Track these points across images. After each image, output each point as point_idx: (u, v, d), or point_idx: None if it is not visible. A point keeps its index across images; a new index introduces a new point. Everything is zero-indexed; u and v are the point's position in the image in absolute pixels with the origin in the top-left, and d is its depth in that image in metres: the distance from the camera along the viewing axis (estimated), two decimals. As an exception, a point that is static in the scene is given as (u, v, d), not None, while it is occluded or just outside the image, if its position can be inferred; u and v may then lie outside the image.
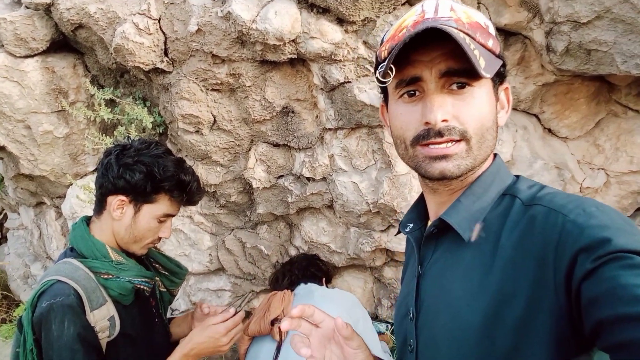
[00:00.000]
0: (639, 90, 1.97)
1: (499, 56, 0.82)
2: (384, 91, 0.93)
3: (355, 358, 0.87)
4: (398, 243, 2.33)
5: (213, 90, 2.20)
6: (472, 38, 0.77)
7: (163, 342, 1.60)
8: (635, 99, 1.99)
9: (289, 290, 1.92)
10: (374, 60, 1.90)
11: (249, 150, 2.40)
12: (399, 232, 1.06)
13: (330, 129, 2.20)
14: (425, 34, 0.73)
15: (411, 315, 0.88)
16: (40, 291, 1.31)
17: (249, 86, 2.13)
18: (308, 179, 2.35)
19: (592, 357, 0.65)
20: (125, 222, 1.46)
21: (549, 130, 2.13)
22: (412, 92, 0.81)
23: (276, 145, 2.36)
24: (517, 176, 0.87)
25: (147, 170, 1.43)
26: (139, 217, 1.47)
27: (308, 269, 2.15)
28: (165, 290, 1.68)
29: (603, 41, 1.63)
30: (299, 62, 2.10)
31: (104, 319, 1.36)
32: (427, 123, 0.78)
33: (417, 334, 0.86)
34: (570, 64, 1.76)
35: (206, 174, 2.50)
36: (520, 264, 0.70)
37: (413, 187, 2.13)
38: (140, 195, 1.45)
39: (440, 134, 0.77)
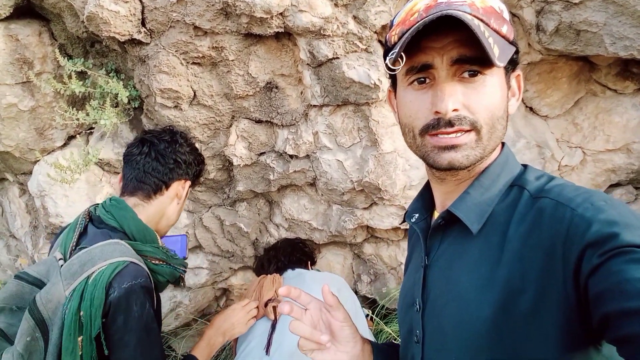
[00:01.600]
0: (618, 70, 2.03)
1: (512, 42, 0.80)
2: (392, 76, 0.91)
3: (342, 332, 0.90)
4: (380, 220, 2.35)
5: (194, 63, 2.11)
6: (487, 24, 0.75)
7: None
8: (614, 79, 2.05)
9: (278, 274, 1.91)
10: (363, 36, 1.87)
11: (230, 126, 2.33)
12: (403, 221, 1.06)
13: (315, 106, 2.16)
14: (438, 20, 0.71)
15: (417, 306, 0.88)
16: (114, 272, 1.26)
17: (232, 60, 2.06)
18: (291, 156, 2.32)
19: (601, 349, 0.66)
20: (181, 204, 1.60)
21: (531, 109, 2.17)
22: (422, 79, 0.79)
23: (258, 121, 2.30)
24: (525, 166, 0.87)
25: (199, 156, 1.64)
26: (185, 200, 1.62)
27: (293, 254, 2.13)
28: None
29: (593, 22, 1.65)
30: (285, 36, 2.04)
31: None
32: (437, 112, 0.77)
33: (424, 325, 0.87)
34: (559, 44, 1.78)
35: (184, 151, 2.42)
36: (529, 257, 0.70)
37: (398, 166, 2.13)
38: (193, 177, 1.62)
39: (450, 123, 0.76)
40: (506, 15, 0.82)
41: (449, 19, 0.70)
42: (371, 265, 2.67)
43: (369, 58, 1.94)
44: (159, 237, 1.48)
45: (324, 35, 1.88)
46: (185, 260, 1.59)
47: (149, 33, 2.06)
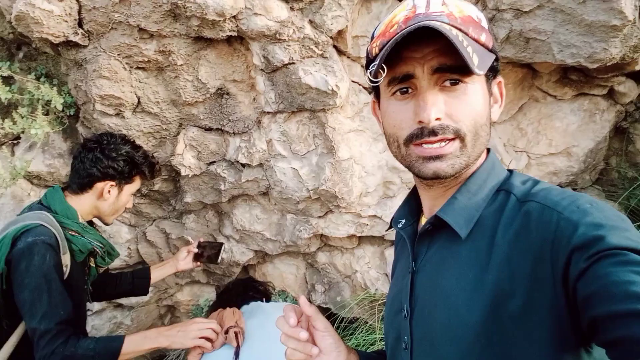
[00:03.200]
0: (557, 77, 2.14)
1: (492, 50, 0.81)
2: (375, 87, 0.91)
3: (324, 341, 0.90)
4: (336, 228, 2.32)
5: (138, 68, 1.97)
6: (465, 33, 0.76)
7: (84, 305, 1.87)
8: (554, 86, 2.16)
9: (236, 308, 1.82)
10: (319, 41, 1.84)
11: (178, 134, 2.20)
12: (390, 228, 1.05)
13: (269, 113, 2.09)
14: (417, 31, 0.71)
15: (405, 312, 0.87)
16: (24, 229, 1.58)
17: (181, 65, 1.94)
18: (243, 165, 2.23)
19: (592, 352, 0.66)
20: (110, 200, 1.86)
21: (479, 116, 2.23)
22: (405, 89, 0.79)
23: (208, 129, 2.20)
24: (510, 171, 0.88)
25: (129, 158, 1.84)
26: (121, 195, 1.89)
27: (247, 293, 2.02)
28: (94, 266, 1.92)
29: (542, 30, 1.72)
30: (237, 40, 1.95)
31: (64, 264, 1.65)
32: (420, 122, 0.77)
33: (412, 331, 0.85)
34: (509, 51, 1.84)
35: (126, 161, 2.26)
36: (517, 261, 0.70)
37: (354, 173, 2.11)
38: (123, 179, 1.86)
39: (434, 132, 0.76)
40: (484, 24, 0.83)
41: (427, 30, 0.71)
42: (325, 274, 2.63)
43: (325, 63, 1.91)
44: (80, 217, 1.80)
45: (280, 39, 1.83)
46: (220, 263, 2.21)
47: (86, 35, 1.90)
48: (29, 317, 1.51)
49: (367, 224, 2.29)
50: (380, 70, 0.76)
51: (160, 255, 2.59)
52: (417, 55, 0.76)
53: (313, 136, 2.10)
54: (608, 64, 1.76)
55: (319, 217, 2.31)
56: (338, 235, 2.33)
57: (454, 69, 0.75)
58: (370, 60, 0.85)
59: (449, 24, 0.75)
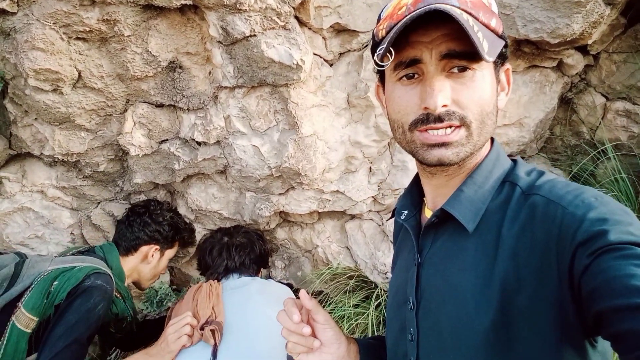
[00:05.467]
0: (511, 50, 2.16)
1: (501, 36, 0.80)
2: (380, 71, 0.89)
3: (324, 334, 0.90)
4: (297, 205, 2.27)
5: (78, 39, 1.75)
6: (475, 18, 0.75)
7: None
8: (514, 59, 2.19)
9: (217, 282, 1.71)
10: (282, 11, 1.73)
11: (125, 111, 2.02)
12: (391, 217, 1.06)
13: (226, 87, 1.96)
14: (427, 14, 0.69)
15: (411, 304, 0.87)
16: (96, 270, 1.66)
17: (128, 36, 1.75)
18: (199, 143, 2.10)
19: (596, 345, 0.69)
20: (152, 264, 1.99)
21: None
22: (411, 74, 0.78)
23: (160, 105, 2.03)
24: (514, 160, 0.88)
25: (174, 224, 2.03)
26: (162, 260, 2.03)
27: (249, 255, 1.91)
28: (112, 331, 1.91)
29: (507, 4, 1.71)
30: (190, 9, 1.79)
31: None
32: (426, 108, 0.76)
33: (419, 323, 0.85)
34: (474, 27, 1.82)
35: (66, 141, 2.05)
36: (523, 256, 0.71)
37: (318, 149, 2.05)
38: (166, 243, 2.01)
39: (440, 119, 0.75)
40: (494, 9, 0.81)
41: (437, 13, 0.69)
42: (284, 250, 2.59)
43: (288, 36, 1.80)
44: (126, 279, 1.89)
45: (240, 9, 1.69)
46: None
47: (15, 0, 1.65)
48: (47, 348, 1.47)
49: (330, 200, 2.26)
50: (388, 54, 0.73)
51: (108, 239, 2.42)
52: (426, 40, 0.74)
53: (274, 112, 2.00)
54: (568, 39, 1.80)
55: (280, 194, 2.25)
56: (300, 212, 2.28)
57: (463, 55, 0.73)
58: (376, 43, 0.83)
59: (459, 8, 0.73)
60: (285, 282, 2.58)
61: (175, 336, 1.53)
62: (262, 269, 2.04)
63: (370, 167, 2.25)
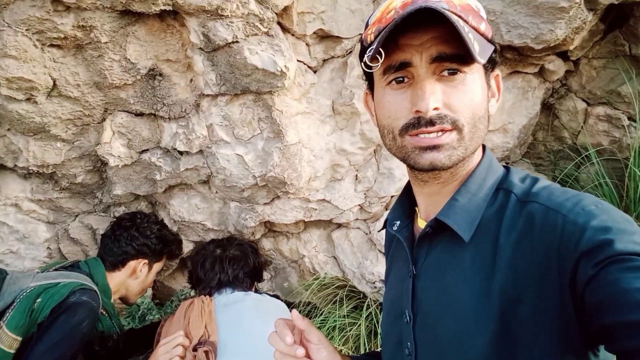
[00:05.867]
0: (502, 60, 2.17)
1: (490, 41, 0.79)
2: (369, 78, 0.87)
3: (318, 354, 0.87)
4: (283, 215, 2.23)
5: (52, 46, 1.69)
6: (465, 21, 0.73)
7: None
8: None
9: (209, 297, 1.65)
10: (265, 17, 1.70)
11: (103, 121, 1.96)
12: (383, 228, 1.04)
13: (208, 95, 1.91)
14: (416, 15, 0.68)
15: (407, 318, 0.84)
16: (82, 287, 1.61)
17: (105, 43, 1.70)
18: (181, 152, 2.04)
19: (599, 354, 0.67)
20: (140, 278, 1.94)
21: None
22: (401, 78, 0.76)
23: (140, 114, 1.97)
24: (507, 167, 0.87)
25: (162, 237, 1.98)
26: (149, 274, 1.98)
27: (243, 268, 1.84)
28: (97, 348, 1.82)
29: (491, 10, 1.71)
30: (169, 15, 1.74)
31: None
32: (417, 112, 0.74)
33: (416, 337, 0.83)
34: (458, 33, 1.82)
35: (41, 152, 1.98)
36: (522, 266, 0.69)
37: (303, 157, 2.02)
38: (154, 257, 1.97)
39: (431, 122, 0.74)
40: (483, 14, 0.80)
41: (427, 14, 0.68)
42: (270, 260, 2.54)
43: (272, 42, 1.77)
44: (113, 295, 1.84)
45: (222, 15, 1.65)
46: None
47: (-15, 6, 1.59)
48: None
49: (316, 209, 2.22)
50: (377, 56, 0.72)
51: (87, 254, 2.34)
52: (415, 43, 0.73)
53: (258, 120, 1.96)
54: (551, 45, 1.81)
55: (265, 204, 2.20)
56: (285, 222, 2.24)
57: (454, 57, 0.72)
58: (364, 48, 0.81)
59: (448, 10, 0.71)
60: (271, 293, 2.52)
61: (166, 357, 1.45)
62: (255, 282, 1.97)
63: (357, 175, 2.22)
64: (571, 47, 2.01)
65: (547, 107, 2.55)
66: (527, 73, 2.26)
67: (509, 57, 2.16)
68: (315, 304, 2.37)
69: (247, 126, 1.97)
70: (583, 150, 2.37)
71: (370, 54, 0.72)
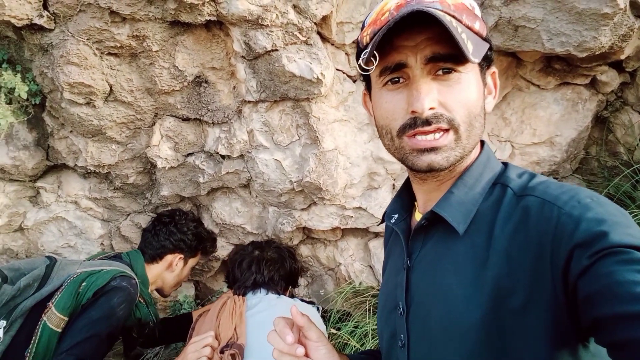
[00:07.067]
0: (542, 66, 2.11)
1: (485, 39, 0.80)
2: (366, 79, 0.90)
3: (317, 352, 0.87)
4: (319, 221, 2.26)
5: (110, 54, 1.85)
6: (459, 21, 0.75)
7: None
8: (538, 75, 2.13)
9: (241, 298, 1.70)
10: (304, 27, 1.76)
11: (153, 125, 2.09)
12: (382, 222, 1.04)
13: (250, 102, 2.00)
14: (410, 17, 0.70)
15: (401, 310, 0.85)
16: (123, 274, 1.76)
17: (156, 51, 1.83)
18: (223, 156, 2.14)
19: (589, 346, 0.66)
20: (176, 272, 2.07)
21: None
22: (397, 79, 0.78)
23: (186, 119, 2.09)
24: (505, 164, 0.87)
25: (198, 233, 2.10)
26: (185, 268, 2.11)
27: (279, 271, 1.89)
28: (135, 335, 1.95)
29: (532, 18, 1.68)
30: (216, 25, 1.85)
31: None
32: (413, 112, 0.75)
33: (409, 329, 0.84)
34: (497, 40, 1.80)
35: (98, 153, 2.14)
36: (516, 258, 0.69)
37: (339, 164, 2.05)
38: (190, 252, 2.09)
39: (427, 122, 0.75)
40: (478, 12, 0.82)
41: (420, 16, 0.70)
42: (308, 267, 2.57)
43: (310, 50, 1.83)
44: (150, 285, 1.98)
45: (262, 25, 1.73)
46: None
47: (52, 17, 1.76)
48: (68, 339, 1.56)
49: (352, 216, 2.24)
50: (372, 58, 0.74)
51: (136, 251, 2.48)
52: (410, 44, 0.75)
53: (296, 126, 2.02)
54: (597, 53, 1.74)
55: (302, 209, 2.25)
56: (322, 228, 2.27)
57: (448, 57, 0.73)
58: (360, 49, 0.84)
59: (442, 11, 0.73)
60: (307, 299, 2.55)
61: (194, 356, 1.52)
62: (290, 287, 2.00)
63: (394, 184, 2.22)
64: (622, 57, 1.92)
65: (601, 121, 2.44)
66: (577, 84, 2.18)
67: (558, 67, 2.10)
68: (348, 311, 2.37)
69: (286, 132, 2.03)
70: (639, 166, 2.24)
71: (366, 56, 0.74)
